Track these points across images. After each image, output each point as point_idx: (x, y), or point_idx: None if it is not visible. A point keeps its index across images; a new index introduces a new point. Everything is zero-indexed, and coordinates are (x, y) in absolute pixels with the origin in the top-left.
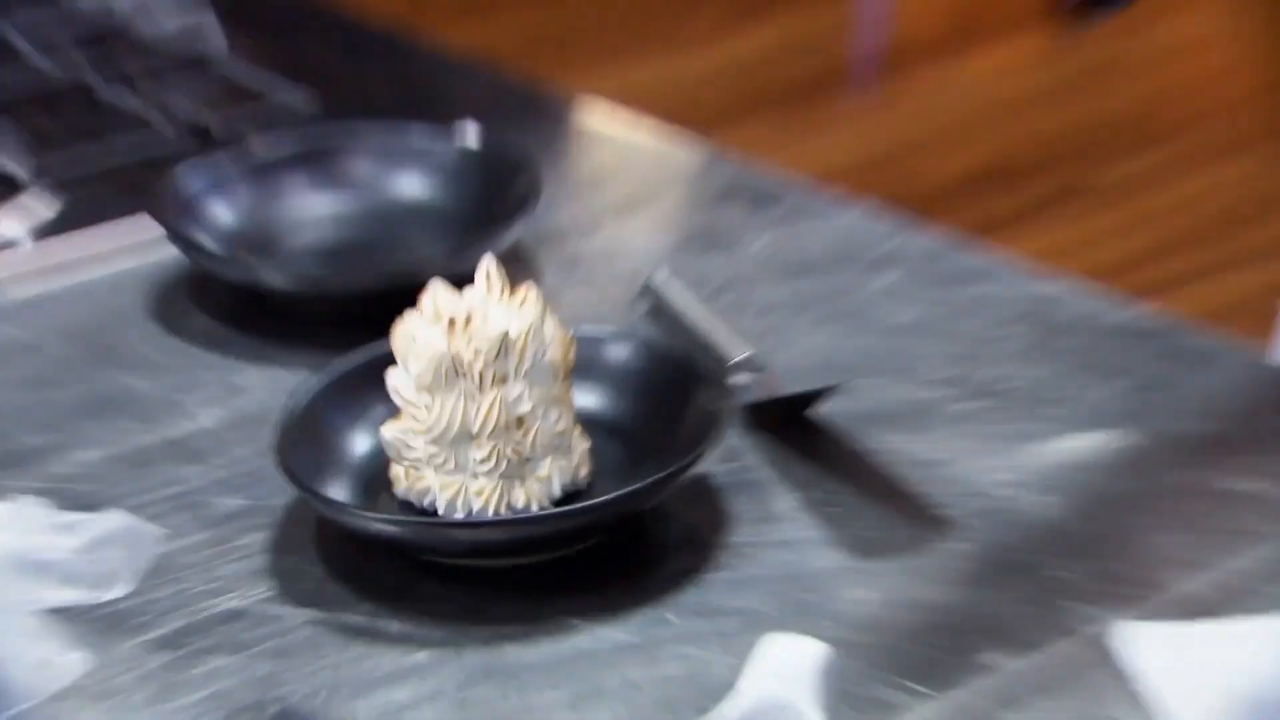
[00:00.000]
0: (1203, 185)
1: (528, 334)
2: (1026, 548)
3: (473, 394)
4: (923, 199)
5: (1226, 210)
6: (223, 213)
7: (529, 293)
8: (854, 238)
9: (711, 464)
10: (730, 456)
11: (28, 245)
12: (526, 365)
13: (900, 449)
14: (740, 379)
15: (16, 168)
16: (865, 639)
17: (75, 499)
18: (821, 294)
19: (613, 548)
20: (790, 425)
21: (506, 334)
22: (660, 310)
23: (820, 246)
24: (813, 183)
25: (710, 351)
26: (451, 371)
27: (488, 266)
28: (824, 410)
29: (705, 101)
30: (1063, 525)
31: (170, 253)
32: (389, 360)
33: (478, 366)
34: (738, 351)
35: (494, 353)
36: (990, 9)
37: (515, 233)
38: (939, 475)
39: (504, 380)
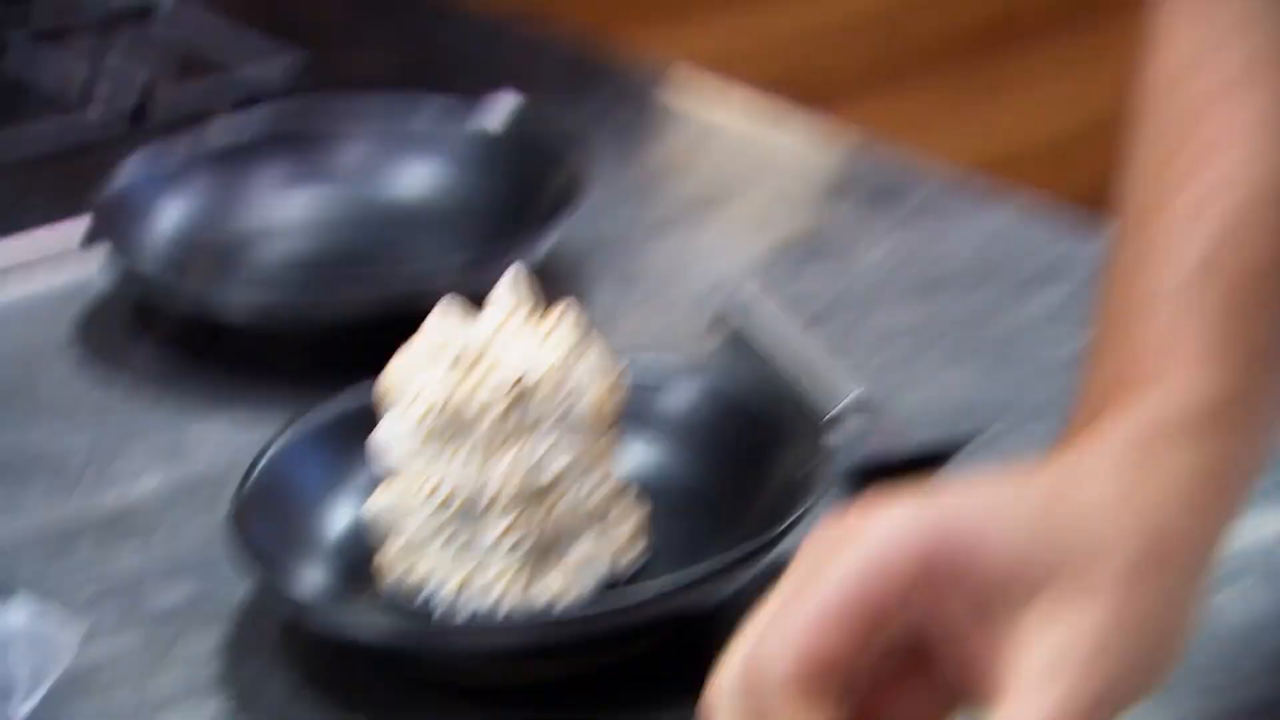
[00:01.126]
0: None
1: (557, 371)
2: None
3: (487, 451)
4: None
5: None
6: (172, 216)
7: (561, 316)
8: (1004, 245)
9: None
10: None
11: None
12: (557, 413)
13: None
14: (847, 428)
15: None
16: None
17: None
18: (959, 318)
19: (674, 655)
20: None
21: (526, 373)
22: (742, 339)
23: (958, 256)
24: (956, 174)
25: (808, 393)
26: (458, 422)
27: (511, 280)
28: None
29: (822, 64)
30: None
31: (103, 268)
32: (379, 408)
33: (491, 415)
34: (844, 392)
35: (511, 397)
36: None
37: (552, 239)
38: None
39: (528, 432)
